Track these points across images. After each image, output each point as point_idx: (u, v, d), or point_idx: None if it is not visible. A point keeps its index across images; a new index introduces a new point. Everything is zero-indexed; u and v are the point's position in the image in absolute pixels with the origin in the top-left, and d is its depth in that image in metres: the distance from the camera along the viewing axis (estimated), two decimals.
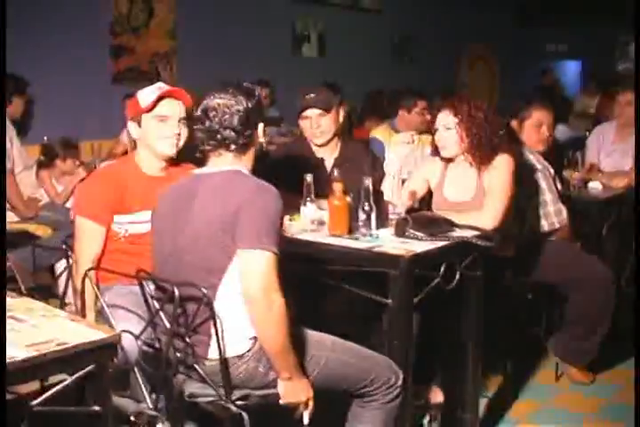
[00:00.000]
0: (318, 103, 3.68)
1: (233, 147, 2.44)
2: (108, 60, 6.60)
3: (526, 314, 3.94)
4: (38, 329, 1.97)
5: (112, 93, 6.24)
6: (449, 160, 3.47)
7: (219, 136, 2.42)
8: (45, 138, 5.70)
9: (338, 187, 3.05)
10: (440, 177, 3.50)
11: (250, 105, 2.44)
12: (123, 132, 6.01)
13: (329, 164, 3.73)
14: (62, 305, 2.92)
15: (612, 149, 4.96)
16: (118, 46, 6.66)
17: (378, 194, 3.19)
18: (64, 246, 3.09)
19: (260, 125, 2.52)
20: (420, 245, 2.92)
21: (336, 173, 3.25)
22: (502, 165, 3.34)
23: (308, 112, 3.68)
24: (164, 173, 3.06)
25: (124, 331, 2.51)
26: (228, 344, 2.35)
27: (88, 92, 6.17)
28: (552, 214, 3.84)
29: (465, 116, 3.31)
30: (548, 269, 3.78)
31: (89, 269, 2.66)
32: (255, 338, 2.37)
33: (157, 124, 2.98)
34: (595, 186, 4.62)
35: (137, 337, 2.50)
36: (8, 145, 4.74)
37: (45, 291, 4.64)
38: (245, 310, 2.31)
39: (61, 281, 4.53)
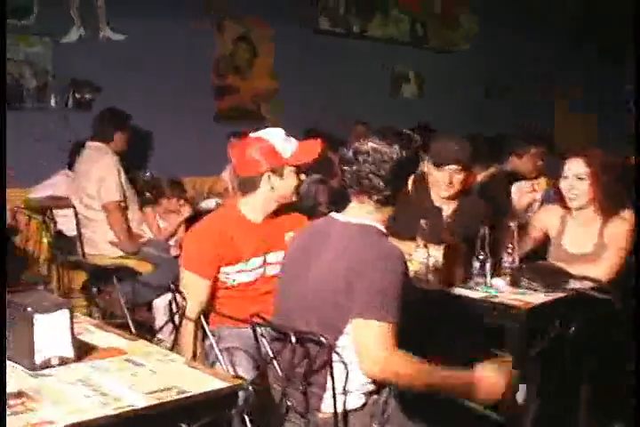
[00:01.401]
0: (461, 159, 3.50)
1: (378, 197, 2.31)
2: (211, 99, 6.67)
3: None
4: (157, 375, 1.94)
5: (214, 132, 6.32)
6: (569, 209, 3.36)
7: (366, 182, 2.29)
8: (148, 174, 5.82)
9: (453, 235, 2.98)
10: (559, 227, 3.39)
11: (404, 155, 2.31)
12: (225, 169, 6.08)
13: (445, 212, 3.59)
14: (157, 342, 2.89)
15: None
16: (222, 86, 6.75)
17: (493, 243, 3.09)
18: (171, 285, 3.09)
19: (411, 179, 2.39)
20: (536, 296, 2.83)
21: (452, 220, 3.19)
22: (626, 218, 3.23)
23: (447, 166, 3.48)
24: (267, 220, 3.01)
25: (233, 377, 2.48)
26: (343, 398, 2.26)
27: (191, 129, 6.25)
28: None
29: (598, 168, 3.22)
30: None
31: (199, 315, 2.61)
32: (371, 393, 2.29)
33: (294, 175, 2.94)
34: None
35: (249, 384, 2.44)
36: (116, 178, 4.81)
37: (141, 326, 4.67)
38: None
39: (160, 319, 4.58)
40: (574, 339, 2.84)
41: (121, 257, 4.86)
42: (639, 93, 6.81)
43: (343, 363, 2.21)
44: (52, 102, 5.66)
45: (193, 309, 2.81)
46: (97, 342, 2.20)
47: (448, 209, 3.57)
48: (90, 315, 5.11)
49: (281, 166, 2.89)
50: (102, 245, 4.86)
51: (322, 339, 2.16)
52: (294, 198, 3.01)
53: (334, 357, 2.22)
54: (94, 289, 4.95)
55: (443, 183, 3.50)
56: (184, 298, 2.79)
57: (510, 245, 3.06)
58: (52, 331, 1.96)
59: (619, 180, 3.23)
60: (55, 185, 5.25)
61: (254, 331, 2.42)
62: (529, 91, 9.39)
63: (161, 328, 2.89)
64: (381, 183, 2.28)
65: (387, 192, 2.30)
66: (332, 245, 2.33)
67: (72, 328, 1.99)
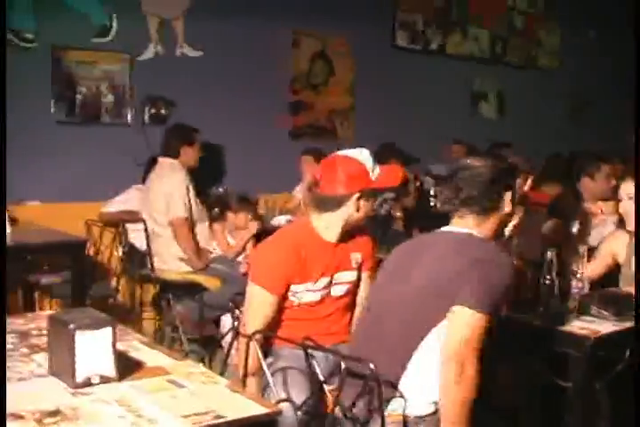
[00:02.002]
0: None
1: (475, 208, 2.41)
2: (287, 115, 6.67)
3: None
4: (196, 397, 1.89)
5: (289, 149, 6.31)
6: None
7: (462, 195, 2.40)
8: (221, 189, 5.84)
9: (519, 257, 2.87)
10: (628, 251, 3.23)
11: (499, 168, 2.43)
12: (297, 187, 6.06)
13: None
14: (224, 366, 2.84)
15: None
16: (298, 102, 6.74)
17: (561, 267, 2.96)
18: (230, 304, 3.05)
19: (508, 194, 2.45)
20: (605, 324, 2.69)
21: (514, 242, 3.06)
22: None
23: None
24: (340, 239, 2.94)
25: (283, 400, 2.42)
26: (411, 403, 2.25)
27: (267, 146, 6.26)
28: None
29: None
30: None
31: (254, 333, 2.55)
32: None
33: (373, 198, 2.91)
34: None
35: (298, 408, 2.37)
36: (183, 194, 4.83)
37: (210, 342, 4.67)
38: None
39: (226, 340, 4.55)
40: None
41: (189, 272, 4.87)
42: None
43: (402, 397, 2.19)
44: (129, 118, 5.74)
45: (254, 324, 2.74)
46: (143, 360, 2.16)
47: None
48: (159, 328, 5.16)
49: (369, 189, 2.84)
50: (171, 260, 4.88)
51: (371, 365, 2.07)
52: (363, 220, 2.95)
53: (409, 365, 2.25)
54: (163, 303, 4.99)
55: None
56: (236, 317, 2.77)
57: (579, 270, 2.93)
58: (94, 349, 1.93)
59: None
60: (128, 199, 5.31)
61: (306, 354, 2.36)
62: (613, 107, 9.12)
63: (228, 352, 2.79)
64: (476, 193, 2.39)
65: (484, 203, 2.40)
66: (430, 250, 2.40)
67: (115, 346, 1.96)
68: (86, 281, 4.76)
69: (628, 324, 2.71)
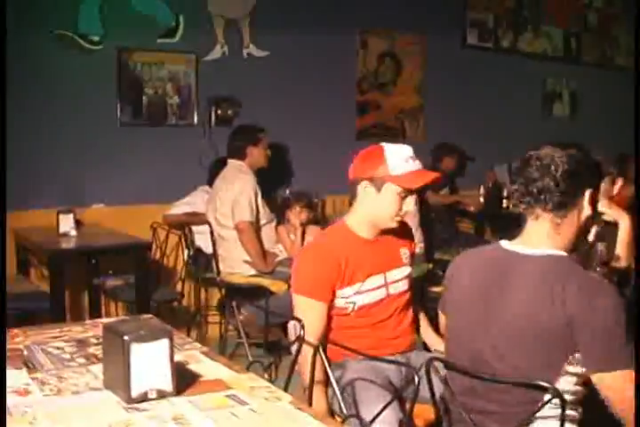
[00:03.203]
0: None
1: (550, 205, 2.08)
2: (354, 116, 6.53)
3: None
4: (256, 415, 1.77)
5: (356, 149, 6.16)
6: None
7: (535, 188, 2.08)
8: (287, 191, 5.74)
9: None
10: None
11: (582, 160, 2.11)
12: None
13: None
14: (291, 374, 2.71)
15: None
16: (365, 102, 6.59)
17: None
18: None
19: (589, 192, 2.14)
20: None
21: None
22: None
23: None
24: (379, 237, 2.81)
25: (352, 415, 2.29)
26: None
27: (333, 147, 6.14)
28: None
29: None
30: None
31: (316, 349, 2.40)
32: None
33: (397, 197, 2.67)
34: None
35: (367, 425, 2.22)
36: (250, 198, 4.74)
37: (276, 346, 4.57)
38: None
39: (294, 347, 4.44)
40: None
41: (255, 276, 4.77)
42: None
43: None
44: (195, 119, 5.67)
45: (312, 335, 2.58)
46: (203, 372, 2.05)
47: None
48: (225, 333, 5.08)
49: (381, 179, 2.64)
50: (237, 264, 4.79)
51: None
52: (393, 225, 2.75)
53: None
54: (228, 307, 4.91)
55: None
56: (302, 326, 2.63)
57: None
58: (150, 362, 1.82)
59: None
60: (194, 202, 5.25)
61: (427, 368, 2.06)
62: None
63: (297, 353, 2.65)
64: (552, 184, 2.06)
65: (557, 195, 2.07)
66: (516, 281, 2.08)
67: (172, 359, 1.85)
68: (151, 285, 4.71)
69: None
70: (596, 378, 1.98)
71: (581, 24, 8.21)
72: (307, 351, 2.46)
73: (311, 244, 2.89)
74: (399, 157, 2.64)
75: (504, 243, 2.22)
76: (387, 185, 2.64)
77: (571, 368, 2.03)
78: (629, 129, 8.04)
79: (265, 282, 4.69)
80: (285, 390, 2.04)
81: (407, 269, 2.89)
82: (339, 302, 2.73)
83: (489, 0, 7.35)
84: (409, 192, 2.67)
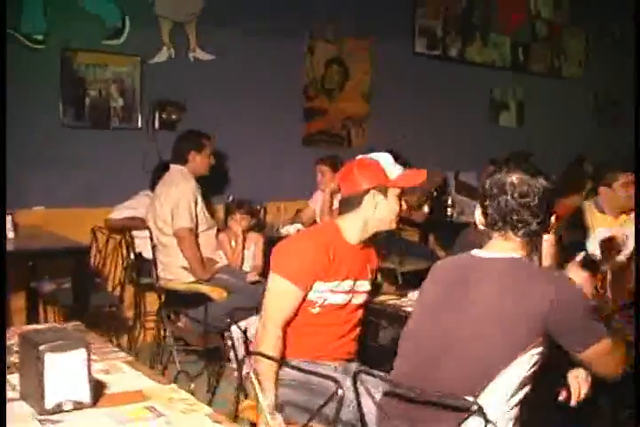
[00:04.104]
0: None
1: (523, 231, 2.20)
2: (300, 122, 6.52)
3: None
4: None
5: (302, 156, 6.17)
6: None
7: (513, 216, 2.18)
8: (230, 198, 5.69)
9: None
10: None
11: (548, 186, 2.20)
12: (313, 195, 5.90)
13: None
14: (240, 378, 2.69)
15: None
16: (311, 108, 6.57)
17: None
18: (227, 320, 2.91)
19: (552, 218, 2.26)
20: None
21: None
22: None
23: None
24: (360, 245, 2.92)
25: None
26: None
27: (279, 153, 6.14)
28: None
29: None
30: None
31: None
32: None
33: (397, 200, 2.88)
34: None
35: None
36: (189, 204, 4.70)
37: (215, 353, 4.54)
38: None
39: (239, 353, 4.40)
40: None
41: (194, 282, 4.73)
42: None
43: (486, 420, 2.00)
44: (139, 122, 5.61)
45: (274, 320, 2.70)
46: (123, 383, 2.02)
47: None
48: (163, 339, 5.02)
49: (385, 187, 2.83)
50: (176, 270, 4.74)
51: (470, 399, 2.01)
52: (394, 226, 2.92)
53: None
54: (166, 314, 4.86)
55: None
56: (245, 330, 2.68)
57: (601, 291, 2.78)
58: (65, 372, 1.79)
59: None
60: (136, 206, 5.18)
61: (354, 380, 2.19)
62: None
63: (239, 364, 2.63)
64: (530, 216, 2.18)
65: (534, 226, 2.20)
66: (480, 281, 2.20)
67: (89, 369, 1.82)
68: (89, 289, 4.64)
69: None
70: (582, 356, 2.17)
71: (530, 34, 8.29)
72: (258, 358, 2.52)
73: (304, 234, 3.06)
74: (390, 164, 2.87)
75: (474, 251, 2.32)
76: (391, 190, 2.84)
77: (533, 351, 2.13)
78: (576, 137, 8.20)
79: (204, 289, 4.65)
80: (210, 402, 2.03)
81: (368, 285, 2.98)
82: (310, 295, 2.78)
83: (438, 8, 7.39)
84: (403, 194, 2.89)
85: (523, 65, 8.22)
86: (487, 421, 1.95)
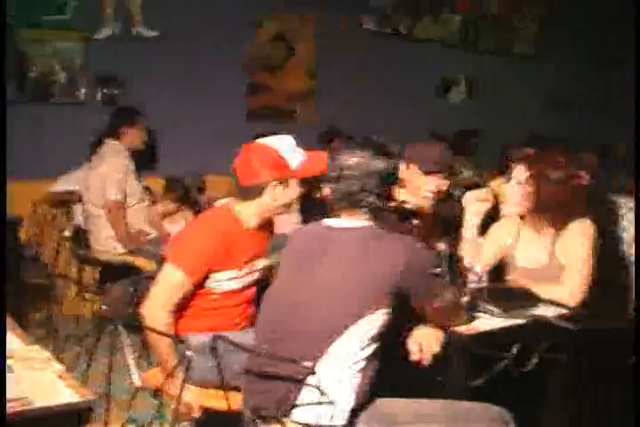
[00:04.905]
0: (450, 165, 3.41)
1: (366, 209, 2.36)
2: (244, 97, 6.59)
3: None
4: (18, 384, 1.86)
5: (245, 131, 6.23)
6: (523, 219, 3.15)
7: (355, 198, 2.35)
8: (176, 173, 5.77)
9: None
10: (514, 240, 3.17)
11: (388, 165, 2.36)
12: None
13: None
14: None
15: None
16: (255, 84, 6.64)
17: (453, 259, 2.92)
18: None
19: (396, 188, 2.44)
20: (490, 321, 2.64)
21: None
22: (579, 231, 3.00)
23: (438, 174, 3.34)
24: (260, 227, 2.95)
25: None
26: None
27: (223, 128, 6.20)
28: None
29: (536, 173, 3.01)
30: None
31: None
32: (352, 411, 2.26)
33: (297, 186, 2.91)
34: None
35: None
36: (119, 177, 4.79)
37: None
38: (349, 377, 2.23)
39: None
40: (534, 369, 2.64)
41: (125, 254, 4.83)
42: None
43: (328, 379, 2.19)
44: (82, 97, 5.68)
45: (160, 308, 2.72)
46: None
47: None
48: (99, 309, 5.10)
49: (286, 177, 2.85)
50: (107, 242, 4.85)
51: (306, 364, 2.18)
52: (294, 208, 2.97)
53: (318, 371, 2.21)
54: (97, 285, 4.97)
55: (428, 190, 3.34)
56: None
57: (473, 263, 2.89)
58: None
59: (561, 186, 2.98)
60: (75, 179, 5.27)
61: (214, 350, 2.32)
62: (596, 95, 9.00)
63: None
64: (370, 196, 2.34)
65: (377, 204, 2.36)
66: (335, 250, 2.33)
67: None
68: (26, 262, 4.74)
69: (517, 321, 2.66)
70: (433, 306, 2.38)
71: (480, 11, 8.25)
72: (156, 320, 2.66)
73: (201, 222, 3.00)
74: (290, 150, 2.89)
75: (326, 220, 2.46)
76: (292, 180, 2.87)
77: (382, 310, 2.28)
78: (523, 115, 8.27)
79: (133, 260, 4.75)
80: None
81: (265, 260, 3.02)
82: (208, 284, 2.83)
83: None
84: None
85: (472, 42, 8.22)
86: (322, 393, 2.14)
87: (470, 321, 2.56)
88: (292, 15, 6.71)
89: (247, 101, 6.58)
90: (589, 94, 8.95)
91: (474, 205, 3.10)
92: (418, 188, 3.32)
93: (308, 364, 2.18)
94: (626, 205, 3.55)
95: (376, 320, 2.27)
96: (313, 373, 2.17)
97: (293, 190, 2.90)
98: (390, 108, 7.22)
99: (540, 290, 2.85)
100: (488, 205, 3.12)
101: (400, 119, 7.06)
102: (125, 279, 4.65)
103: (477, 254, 3.00)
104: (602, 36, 8.78)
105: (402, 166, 3.30)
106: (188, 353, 2.13)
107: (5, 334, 2.14)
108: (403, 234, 2.42)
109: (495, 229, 3.28)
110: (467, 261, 2.92)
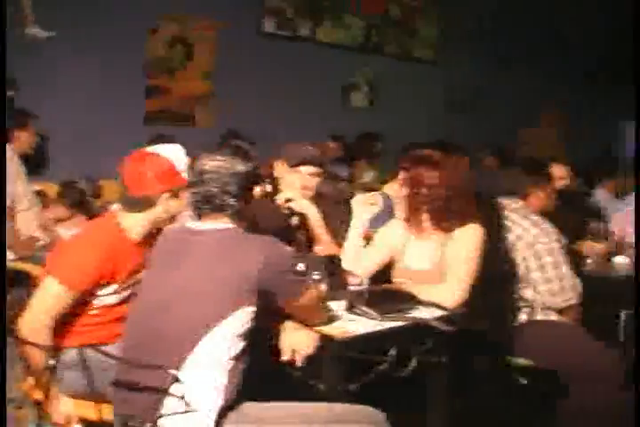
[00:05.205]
0: (317, 159, 3.45)
1: (229, 212, 2.40)
2: (142, 100, 6.52)
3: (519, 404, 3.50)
4: None
5: (143, 134, 6.15)
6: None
7: (216, 201, 2.39)
8: (73, 177, 5.65)
9: None
10: (403, 242, 3.21)
11: (247, 168, 2.42)
12: None
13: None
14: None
15: None
16: (154, 87, 6.57)
17: (335, 261, 2.93)
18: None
19: (257, 188, 2.51)
20: (367, 324, 2.64)
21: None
22: (465, 235, 3.05)
23: (304, 168, 3.42)
24: (145, 238, 2.83)
25: None
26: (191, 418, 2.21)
27: (120, 131, 6.10)
28: (559, 291, 3.47)
29: (414, 177, 3.05)
30: (543, 355, 3.40)
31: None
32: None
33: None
34: (622, 261, 4.20)
35: None
36: (11, 179, 4.66)
37: None
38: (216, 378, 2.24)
39: None
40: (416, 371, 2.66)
41: (17, 260, 4.70)
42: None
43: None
44: None
45: (38, 321, 2.58)
46: None
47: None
48: None
49: (178, 188, 2.76)
50: None
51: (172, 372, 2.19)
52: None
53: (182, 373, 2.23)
54: None
55: (296, 187, 3.41)
56: None
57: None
58: None
59: (441, 191, 3.03)
60: None
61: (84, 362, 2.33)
62: (495, 102, 9.20)
63: None
64: (231, 199, 2.38)
65: (238, 206, 2.40)
66: (197, 252, 2.37)
67: None
68: None
69: (392, 324, 2.67)
70: (295, 305, 2.44)
71: (383, 15, 8.34)
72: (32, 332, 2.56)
73: (85, 234, 2.86)
74: (181, 159, 2.79)
75: (188, 224, 2.50)
76: (183, 191, 2.77)
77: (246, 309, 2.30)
78: (426, 119, 8.38)
79: (24, 266, 4.62)
80: None
81: None
82: (90, 298, 2.73)
83: None
84: None
85: (375, 46, 8.29)
86: (186, 404, 2.15)
87: (332, 321, 2.58)
88: (192, 17, 6.66)
89: (146, 104, 6.49)
90: (489, 98, 9.14)
91: (361, 208, 3.13)
92: (292, 184, 3.38)
93: (173, 371, 2.16)
94: (510, 206, 3.61)
95: (241, 319, 2.30)
96: (177, 380, 2.15)
97: (182, 201, 2.80)
98: (291, 112, 7.22)
99: (421, 291, 2.89)
100: (376, 209, 3.15)
101: (301, 124, 7.08)
102: (18, 287, 4.58)
103: (358, 257, 3.03)
104: (501, 40, 8.98)
105: (277, 164, 3.52)
106: (52, 362, 2.08)
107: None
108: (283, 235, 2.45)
109: (383, 231, 3.31)
110: (347, 264, 2.94)
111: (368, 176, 6.76)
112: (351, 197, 3.47)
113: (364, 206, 3.15)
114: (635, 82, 7.22)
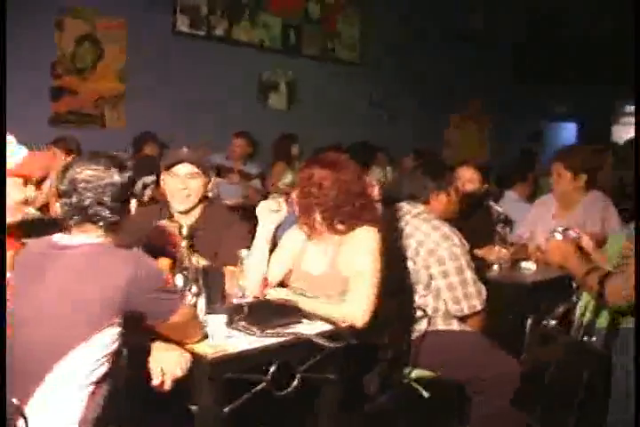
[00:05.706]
0: (193, 159, 3.32)
1: (102, 223, 2.25)
2: (47, 101, 6.29)
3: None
4: None
5: (49, 136, 5.93)
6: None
7: (89, 211, 2.23)
8: None
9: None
10: (302, 245, 3.09)
11: (123, 179, 2.27)
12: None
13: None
14: None
15: (552, 224, 4.10)
16: (60, 87, 6.34)
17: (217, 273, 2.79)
18: None
19: (133, 201, 2.35)
20: (247, 341, 2.49)
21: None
22: (362, 241, 2.92)
23: (179, 169, 3.30)
24: None
25: None
26: None
27: (24, 133, 5.83)
28: (463, 298, 3.36)
29: (304, 176, 2.94)
30: (445, 365, 3.30)
31: None
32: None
33: (18, 187, 2.71)
34: (528, 266, 4.12)
35: None
36: None
37: None
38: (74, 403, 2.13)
39: None
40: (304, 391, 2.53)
41: None
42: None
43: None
44: None
45: None
46: None
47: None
48: None
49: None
50: None
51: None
52: (18, 216, 2.71)
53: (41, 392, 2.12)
54: None
55: (177, 192, 3.30)
56: None
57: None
58: None
59: (331, 192, 2.89)
60: None
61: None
62: (419, 103, 9.15)
63: None
64: (106, 211, 2.24)
65: (113, 218, 2.26)
66: (60, 268, 2.20)
67: None
68: None
69: (272, 341, 2.52)
70: (166, 325, 2.29)
71: (302, 15, 8.19)
72: None
73: None
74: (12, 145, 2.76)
75: (54, 237, 2.30)
76: (9, 180, 2.66)
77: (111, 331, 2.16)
78: (348, 121, 8.28)
79: None
80: None
81: None
82: None
83: None
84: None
85: (294, 46, 8.14)
86: None
87: (206, 337, 2.44)
88: (103, 15, 6.45)
89: (51, 106, 6.26)
90: (414, 98, 9.09)
91: (266, 216, 3.00)
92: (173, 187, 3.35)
93: (16, 402, 1.99)
94: (411, 212, 3.51)
95: (103, 341, 2.16)
96: (22, 415, 1.99)
97: (12, 192, 2.65)
98: (206, 113, 7.05)
99: (326, 309, 2.78)
100: (281, 215, 3.02)
101: (216, 125, 6.93)
102: None
103: (263, 265, 2.92)
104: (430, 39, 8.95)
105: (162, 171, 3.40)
106: None
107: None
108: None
109: (287, 235, 3.18)
110: (253, 272, 2.82)
111: (286, 178, 6.63)
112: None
113: (268, 214, 3.00)
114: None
